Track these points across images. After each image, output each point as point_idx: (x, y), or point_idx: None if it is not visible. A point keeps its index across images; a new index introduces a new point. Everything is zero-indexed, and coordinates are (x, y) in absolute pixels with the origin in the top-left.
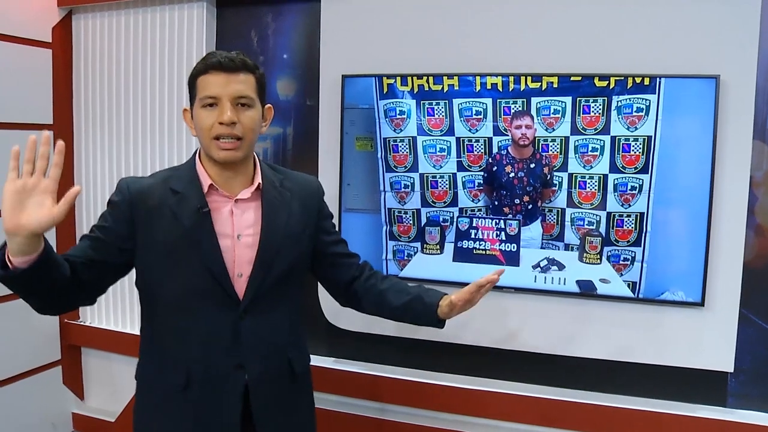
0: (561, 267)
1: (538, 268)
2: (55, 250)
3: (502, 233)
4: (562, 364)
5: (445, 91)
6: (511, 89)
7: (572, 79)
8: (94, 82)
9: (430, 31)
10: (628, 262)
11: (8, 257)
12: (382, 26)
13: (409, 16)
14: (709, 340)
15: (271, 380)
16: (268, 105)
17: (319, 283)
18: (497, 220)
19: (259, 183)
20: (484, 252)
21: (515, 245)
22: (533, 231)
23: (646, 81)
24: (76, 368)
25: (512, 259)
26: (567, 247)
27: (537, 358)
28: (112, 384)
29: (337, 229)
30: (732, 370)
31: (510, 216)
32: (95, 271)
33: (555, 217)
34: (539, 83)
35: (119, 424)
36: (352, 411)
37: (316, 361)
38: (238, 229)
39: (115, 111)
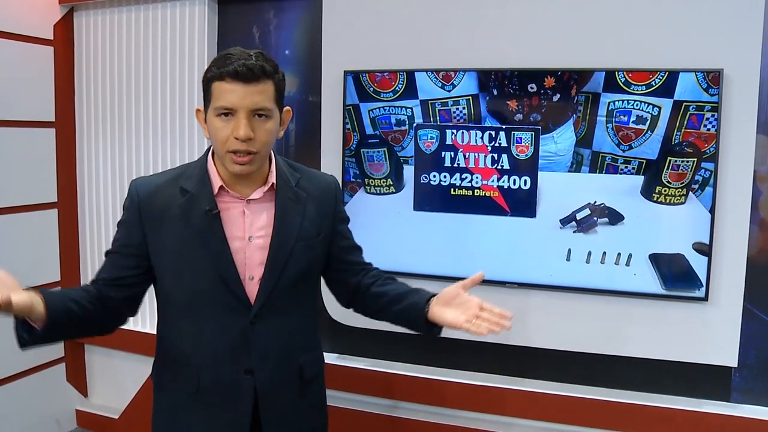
0: (616, 218)
1: (572, 223)
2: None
3: (504, 156)
4: (567, 360)
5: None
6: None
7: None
8: (96, 79)
9: (432, 26)
10: None
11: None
12: (384, 22)
13: (411, 12)
14: (713, 336)
15: (280, 386)
16: (287, 108)
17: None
18: (493, 132)
19: (273, 183)
20: (469, 193)
21: (529, 179)
22: (562, 143)
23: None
24: (79, 365)
25: (522, 205)
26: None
27: (542, 354)
28: (116, 381)
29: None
30: (736, 365)
31: (518, 116)
32: (125, 287)
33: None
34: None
35: (123, 421)
36: (357, 407)
37: None
38: (250, 231)
39: (117, 108)
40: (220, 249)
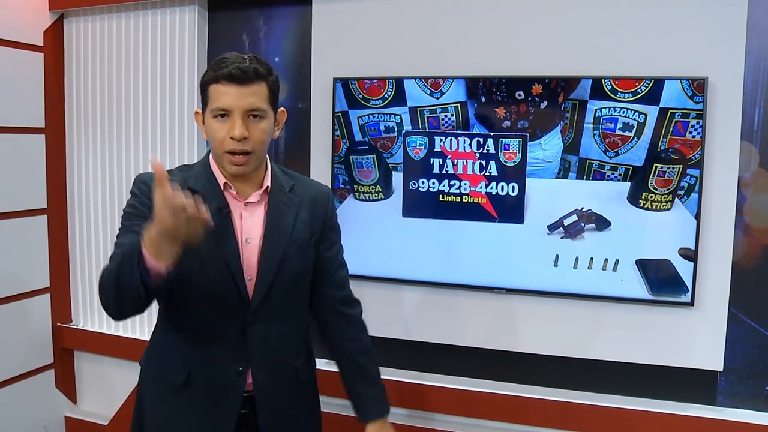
0: (603, 224)
1: (560, 229)
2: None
3: (492, 162)
4: (554, 365)
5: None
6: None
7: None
8: (86, 85)
9: (421, 34)
10: None
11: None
12: (373, 29)
13: (400, 19)
14: (698, 340)
15: (276, 388)
16: (281, 108)
17: None
18: (481, 138)
19: (267, 186)
20: (458, 199)
21: (517, 185)
22: (550, 149)
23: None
24: (68, 372)
25: (510, 211)
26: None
27: (529, 359)
28: (105, 387)
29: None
30: (721, 369)
31: (506, 123)
32: None
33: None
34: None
35: (112, 428)
36: (344, 412)
37: None
38: (246, 233)
39: (107, 114)
40: (229, 247)
